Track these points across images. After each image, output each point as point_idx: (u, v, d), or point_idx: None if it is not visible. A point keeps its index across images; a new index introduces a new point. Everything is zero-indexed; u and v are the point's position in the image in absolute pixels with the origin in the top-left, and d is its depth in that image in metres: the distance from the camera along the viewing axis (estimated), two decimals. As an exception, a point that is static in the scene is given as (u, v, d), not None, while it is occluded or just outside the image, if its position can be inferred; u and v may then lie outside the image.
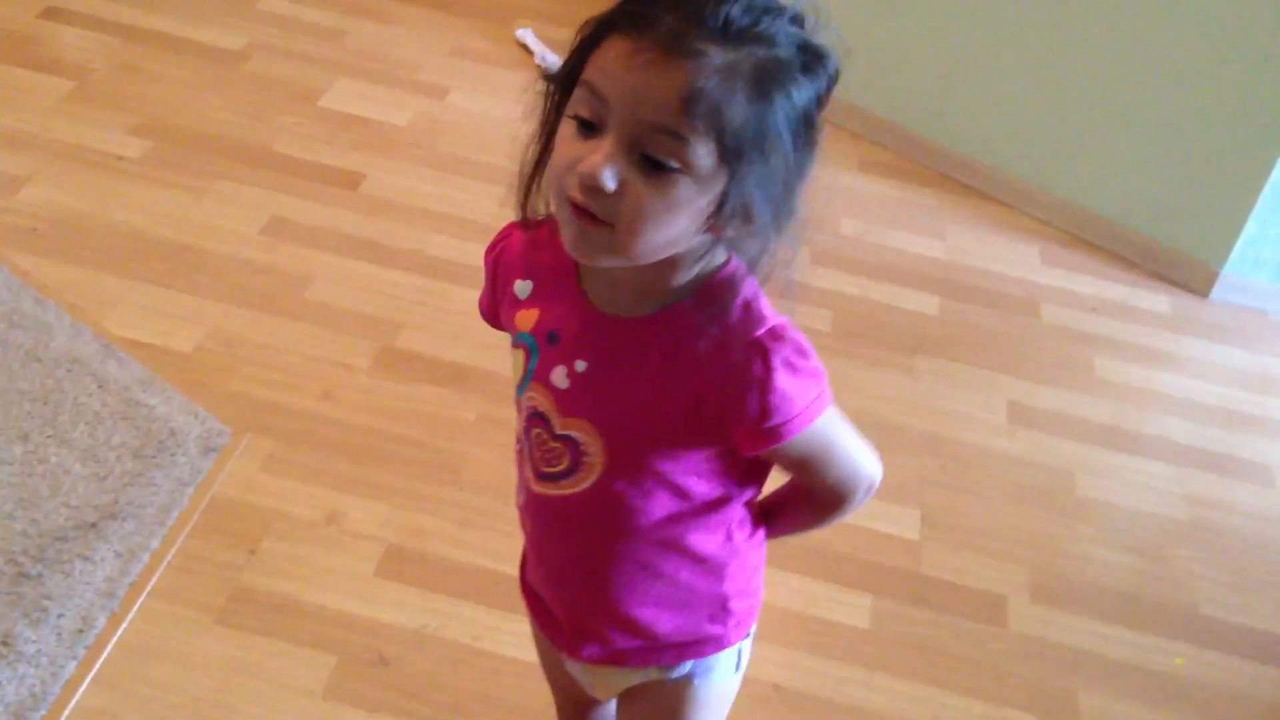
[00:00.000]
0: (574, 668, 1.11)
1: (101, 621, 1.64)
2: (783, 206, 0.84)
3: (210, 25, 2.95)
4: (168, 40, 2.87)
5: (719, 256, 0.89)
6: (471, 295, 2.35)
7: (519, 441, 1.01)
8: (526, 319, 0.96)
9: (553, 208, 0.86)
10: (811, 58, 0.83)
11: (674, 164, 0.79)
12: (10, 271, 2.15)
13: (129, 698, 1.57)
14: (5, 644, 1.58)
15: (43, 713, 1.53)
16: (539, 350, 0.95)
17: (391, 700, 1.62)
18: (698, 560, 0.99)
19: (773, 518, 1.05)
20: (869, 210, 2.80)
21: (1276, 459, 2.31)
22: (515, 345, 0.98)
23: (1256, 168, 2.55)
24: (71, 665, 1.58)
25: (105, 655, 1.60)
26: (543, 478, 0.98)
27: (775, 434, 0.88)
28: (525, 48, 3.11)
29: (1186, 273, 2.72)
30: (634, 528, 0.96)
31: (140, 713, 1.55)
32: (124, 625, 1.64)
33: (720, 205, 0.81)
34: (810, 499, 1.02)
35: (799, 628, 1.81)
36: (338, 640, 1.68)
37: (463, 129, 2.78)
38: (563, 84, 0.85)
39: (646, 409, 0.90)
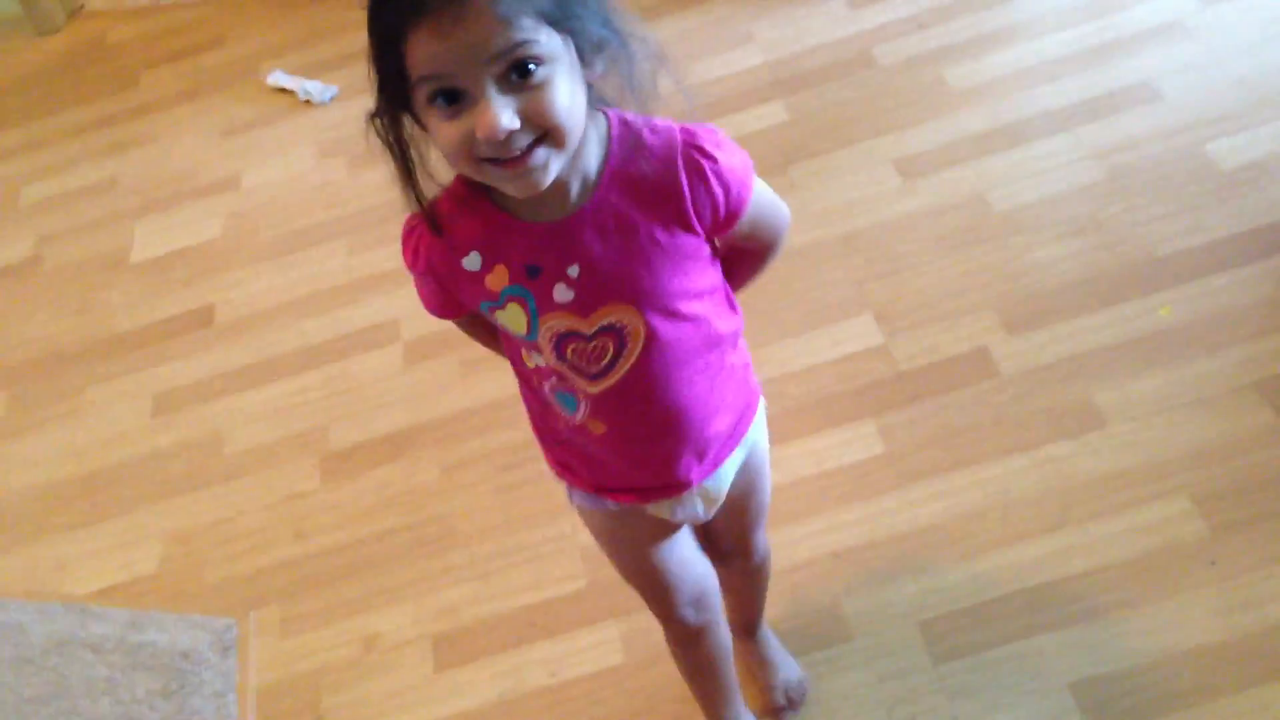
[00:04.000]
0: (684, 509, 1.21)
1: None
2: (612, 23, 0.94)
3: (-8, 247, 2.83)
4: (-39, 286, 2.76)
5: (600, 120, 1.00)
6: (372, 358, 2.33)
7: (549, 376, 1.09)
8: (498, 278, 1.02)
9: (479, 177, 0.93)
10: None
11: (534, 63, 0.88)
12: (-46, 595, 2.10)
13: None
14: None
15: None
16: (529, 289, 1.02)
17: (516, 773, 1.63)
18: (727, 342, 1.12)
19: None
20: (673, 56, 2.71)
21: (1151, 69, 2.29)
22: (502, 305, 1.04)
23: None
24: None
25: None
26: (596, 377, 1.07)
27: (738, 203, 1.03)
28: (283, 90, 2.99)
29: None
30: (686, 353, 1.08)
31: None
32: None
33: (581, 55, 0.92)
34: (748, 257, 1.15)
35: (824, 488, 1.82)
36: (438, 750, 1.68)
37: (272, 206, 2.68)
38: (391, 100, 0.93)
39: (647, 259, 1.01)
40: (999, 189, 2.17)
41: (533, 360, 1.09)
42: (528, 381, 1.14)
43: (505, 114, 0.87)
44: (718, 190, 1.00)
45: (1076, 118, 2.25)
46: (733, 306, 1.14)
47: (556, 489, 1.27)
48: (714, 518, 1.26)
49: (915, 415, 1.87)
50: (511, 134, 0.88)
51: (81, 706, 1.87)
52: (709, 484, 1.20)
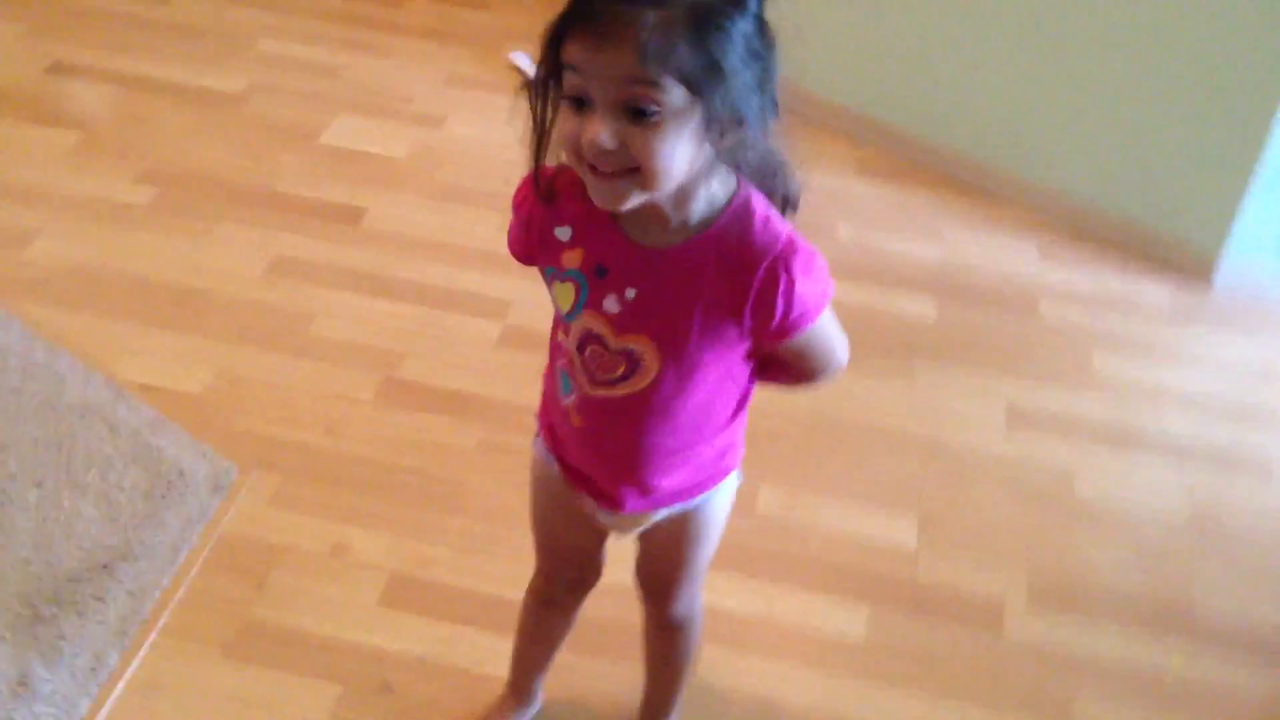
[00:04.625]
0: (606, 517, 1.32)
1: (114, 659, 1.70)
2: (759, 102, 0.99)
3: (210, 70, 3.02)
4: (170, 88, 2.95)
5: (732, 184, 1.08)
6: (472, 323, 2.43)
7: (562, 357, 1.20)
8: (572, 258, 1.12)
9: (579, 172, 1.02)
10: None
11: (653, 109, 0.95)
12: (23, 323, 2.22)
13: (142, 734, 1.62)
14: (22, 684, 1.64)
15: (60, 752, 1.58)
16: (588, 283, 1.12)
17: (396, 727, 1.66)
18: (720, 425, 1.22)
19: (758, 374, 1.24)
20: (865, 214, 2.82)
21: (1276, 453, 2.31)
22: (562, 280, 1.14)
23: (1249, 145, 2.54)
24: (85, 703, 1.64)
25: (118, 692, 1.66)
26: (598, 383, 1.16)
27: (794, 327, 1.09)
28: (519, 71, 3.16)
29: (1186, 258, 2.72)
30: (677, 412, 1.16)
31: (154, 748, 1.61)
32: (136, 662, 1.70)
33: (709, 123, 0.98)
34: (788, 370, 1.21)
35: (796, 641, 1.84)
36: (343, 670, 1.72)
37: (461, 157, 2.83)
38: (543, 79, 1.01)
39: (692, 322, 1.09)
40: (1089, 478, 2.19)
41: (560, 337, 1.20)
42: (552, 355, 1.25)
43: (606, 134, 0.95)
44: (779, 306, 1.06)
45: (1191, 455, 2.27)
46: (737, 410, 1.23)
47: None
48: (643, 547, 1.40)
49: (909, 625, 1.88)
50: (606, 152, 0.96)
51: (74, 468, 1.96)
52: (636, 515, 1.30)
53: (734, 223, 1.07)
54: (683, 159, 0.98)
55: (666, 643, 1.55)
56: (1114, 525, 2.11)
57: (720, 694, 1.74)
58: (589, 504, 1.31)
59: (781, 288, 1.06)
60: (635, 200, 1.01)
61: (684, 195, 1.05)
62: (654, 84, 0.93)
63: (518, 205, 1.16)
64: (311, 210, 2.60)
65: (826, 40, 2.91)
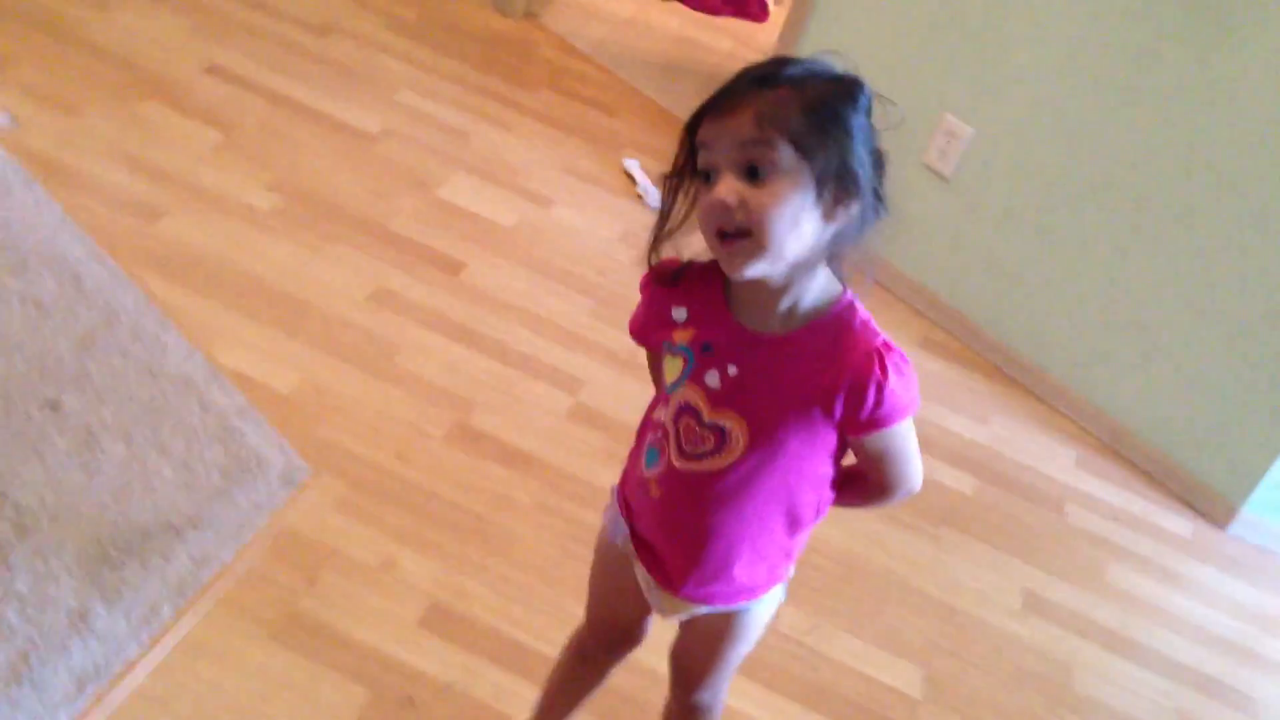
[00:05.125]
0: (657, 596, 1.39)
1: (168, 615, 1.79)
2: (865, 180, 1.11)
3: (352, 106, 3.22)
4: (311, 112, 3.14)
5: (838, 288, 1.19)
6: (546, 390, 2.57)
7: (657, 429, 1.30)
8: (684, 335, 1.24)
9: (709, 245, 1.14)
10: (849, 83, 1.13)
11: (766, 166, 1.08)
12: (141, 290, 2.36)
13: (179, 688, 1.71)
14: (81, 618, 1.74)
15: (102, 684, 1.67)
16: (695, 358, 1.23)
17: (412, 742, 1.75)
18: (793, 522, 1.29)
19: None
20: (922, 385, 2.96)
21: (1264, 694, 2.41)
22: (674, 354, 1.25)
23: (1289, 416, 2.71)
24: (134, 648, 1.73)
25: (165, 645, 1.75)
26: (685, 456, 1.25)
27: (881, 421, 1.16)
28: (630, 176, 3.36)
29: (1208, 502, 2.86)
30: (753, 496, 1.24)
31: (187, 703, 1.69)
32: (186, 622, 1.79)
33: (819, 192, 1.10)
34: (867, 482, 1.29)
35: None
36: (373, 676, 1.82)
37: (561, 239, 3.00)
38: (679, 165, 1.16)
39: (787, 405, 1.18)
40: (1088, 675, 2.29)
41: (658, 414, 1.30)
42: (643, 431, 1.35)
43: (727, 189, 1.08)
44: (870, 396, 1.14)
45: (1183, 678, 2.37)
46: (816, 512, 1.30)
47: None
48: (682, 632, 1.48)
49: (901, 766, 1.97)
50: (727, 209, 1.08)
51: (162, 432, 2.08)
52: (685, 602, 1.37)
53: (836, 320, 1.17)
54: (790, 221, 1.09)
55: None
56: (1104, 724, 2.20)
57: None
58: (644, 577, 1.41)
59: (874, 379, 1.14)
60: (754, 268, 1.11)
61: (791, 281, 1.15)
62: (767, 143, 1.07)
63: (642, 286, 1.29)
64: (418, 253, 2.76)
65: (920, 220, 3.11)
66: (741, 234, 1.10)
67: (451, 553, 2.06)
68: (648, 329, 1.31)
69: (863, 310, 1.19)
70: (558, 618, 1.99)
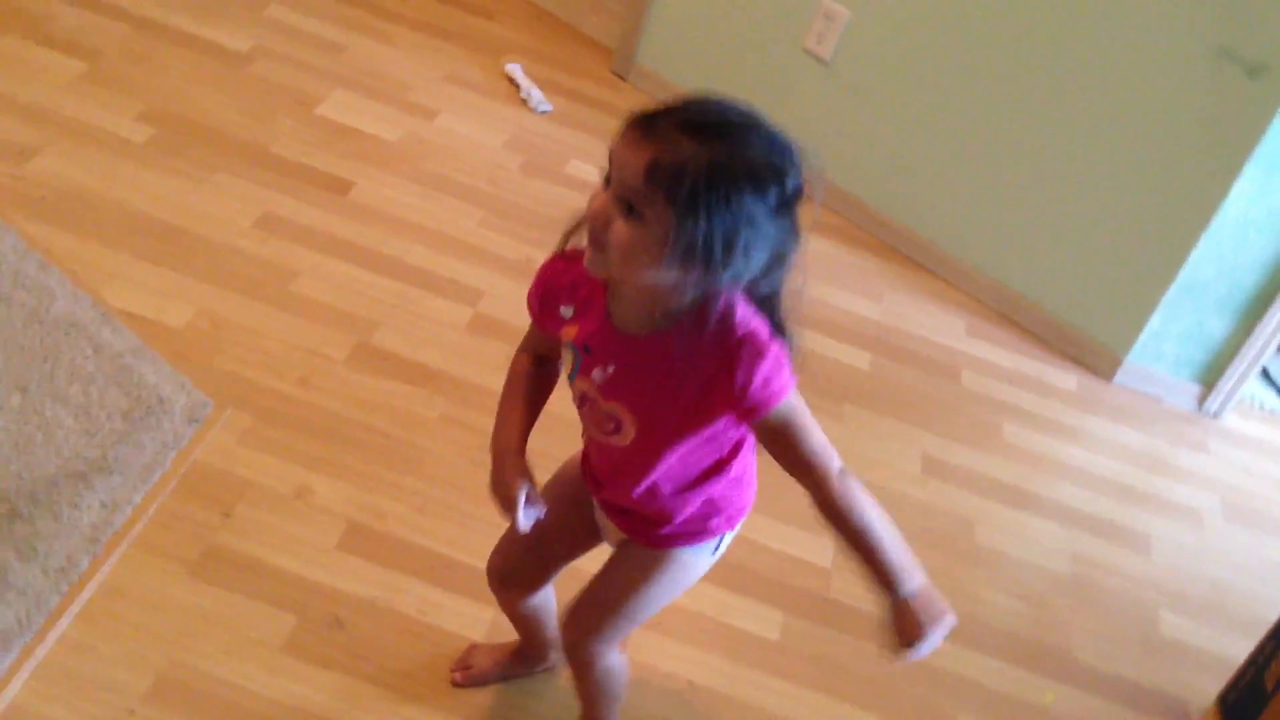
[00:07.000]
0: (600, 516, 1.53)
1: (84, 563, 1.79)
2: (743, 268, 1.16)
3: (219, 25, 3.12)
4: (177, 34, 3.04)
5: (715, 295, 1.20)
6: (445, 304, 2.57)
7: (580, 408, 1.40)
8: (570, 332, 1.34)
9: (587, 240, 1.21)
10: (768, 174, 1.14)
11: (640, 209, 1.13)
12: (18, 235, 2.30)
13: (104, 632, 1.72)
14: (-4, 574, 1.73)
15: (27, 639, 1.67)
16: (579, 356, 1.33)
17: (342, 660, 1.79)
18: (702, 479, 1.39)
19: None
20: (815, 267, 3.00)
21: (1154, 531, 2.56)
22: (566, 349, 1.35)
23: (1164, 268, 2.82)
24: (55, 599, 1.73)
25: (86, 594, 1.76)
26: (596, 432, 1.39)
27: (757, 409, 1.23)
28: (513, 81, 3.31)
29: (1094, 356, 2.98)
30: (658, 465, 1.35)
31: (114, 646, 1.71)
32: (104, 568, 1.80)
33: (683, 257, 1.13)
34: (791, 469, 1.29)
35: (716, 633, 2.01)
36: (298, 602, 1.84)
37: (448, 150, 2.97)
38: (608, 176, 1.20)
39: (661, 399, 1.27)
40: (987, 528, 2.41)
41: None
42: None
43: (600, 206, 1.15)
44: (738, 385, 1.21)
45: (1078, 523, 2.51)
46: (717, 470, 1.38)
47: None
48: (602, 568, 1.55)
49: (819, 635, 2.07)
50: (596, 219, 1.15)
51: (57, 379, 2.04)
52: (619, 530, 1.50)
53: (695, 319, 1.20)
54: (640, 262, 1.15)
55: (581, 686, 1.67)
56: (1005, 572, 2.32)
57: (641, 667, 1.89)
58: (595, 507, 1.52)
59: (736, 371, 1.20)
60: (601, 274, 1.20)
61: (657, 296, 1.21)
62: (647, 195, 1.11)
63: (541, 271, 1.37)
64: (303, 175, 2.72)
65: (802, 104, 3.13)
66: (601, 245, 1.16)
67: (363, 473, 2.08)
68: (543, 317, 1.38)
69: (746, 318, 1.22)
70: (473, 528, 2.03)
